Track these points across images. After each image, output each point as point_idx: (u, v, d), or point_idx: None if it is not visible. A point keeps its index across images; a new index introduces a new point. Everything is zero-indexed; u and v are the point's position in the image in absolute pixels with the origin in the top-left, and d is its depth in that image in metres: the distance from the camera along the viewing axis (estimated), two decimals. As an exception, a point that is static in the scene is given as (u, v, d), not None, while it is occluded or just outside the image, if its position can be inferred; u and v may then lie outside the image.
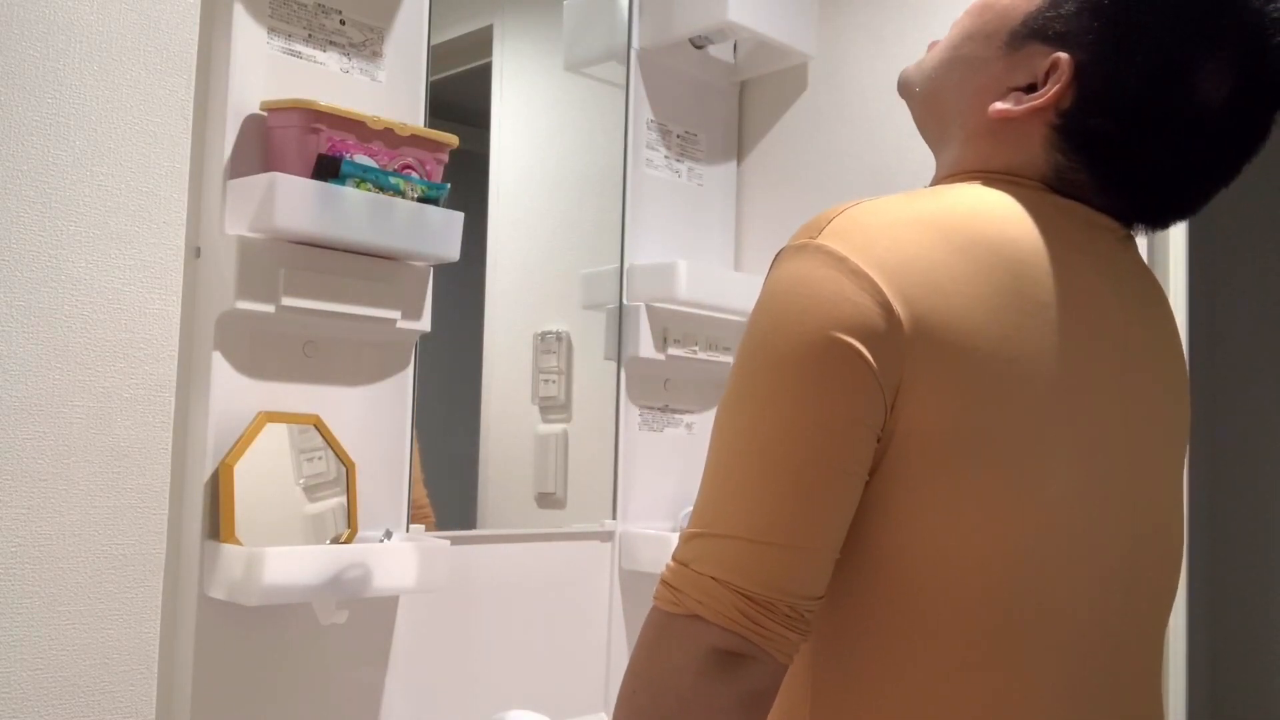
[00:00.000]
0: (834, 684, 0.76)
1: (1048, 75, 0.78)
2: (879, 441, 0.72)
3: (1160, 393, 0.82)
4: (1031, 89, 0.79)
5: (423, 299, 1.33)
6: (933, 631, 0.73)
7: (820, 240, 0.73)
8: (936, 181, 0.89)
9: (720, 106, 1.88)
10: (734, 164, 1.89)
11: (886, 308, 0.69)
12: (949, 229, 0.73)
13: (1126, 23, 0.76)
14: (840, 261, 0.71)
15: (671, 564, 0.73)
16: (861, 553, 0.74)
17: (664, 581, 0.73)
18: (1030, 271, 0.73)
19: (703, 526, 0.72)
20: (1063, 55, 0.77)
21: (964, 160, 0.85)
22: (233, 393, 1.21)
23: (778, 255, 0.76)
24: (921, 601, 0.73)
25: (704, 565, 0.71)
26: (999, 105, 0.80)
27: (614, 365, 1.67)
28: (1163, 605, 0.84)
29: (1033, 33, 0.80)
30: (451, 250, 1.29)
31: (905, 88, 0.91)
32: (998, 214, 0.76)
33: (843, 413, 0.70)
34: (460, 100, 1.53)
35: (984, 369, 0.71)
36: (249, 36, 1.23)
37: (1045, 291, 0.73)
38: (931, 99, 0.88)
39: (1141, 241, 1.43)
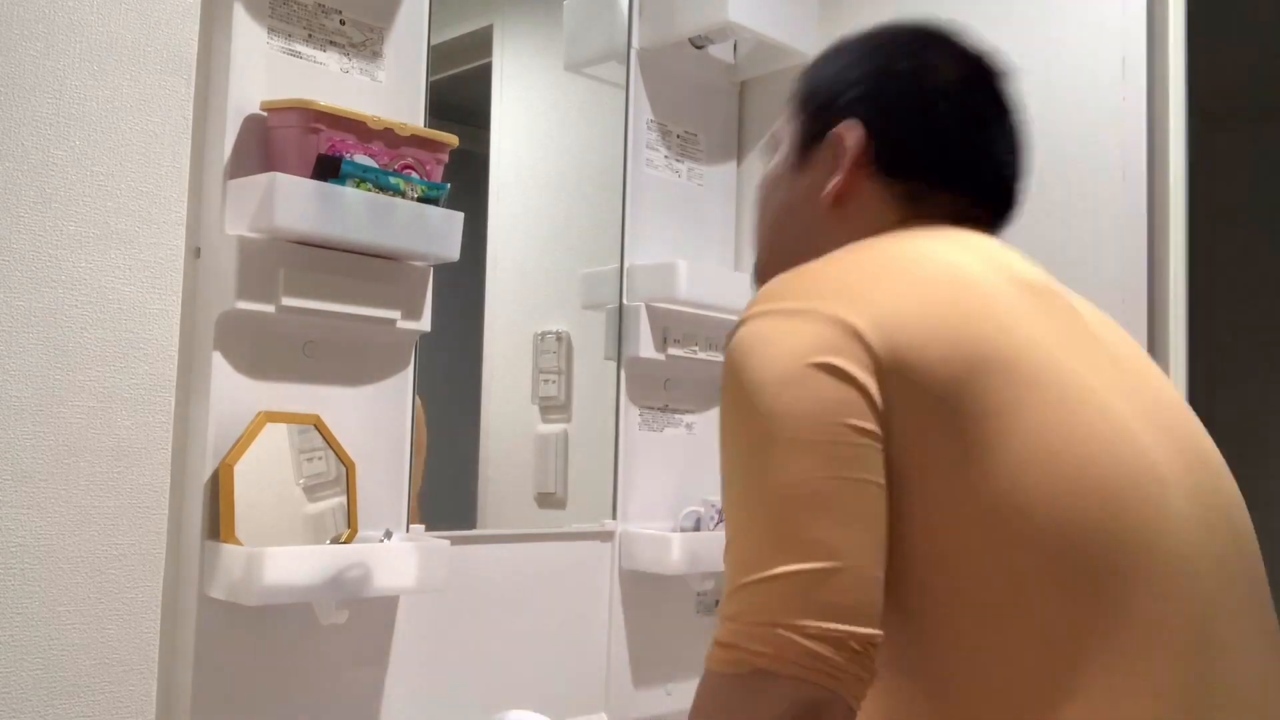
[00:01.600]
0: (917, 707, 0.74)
1: (839, 147, 0.89)
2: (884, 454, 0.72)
3: (1124, 339, 0.88)
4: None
5: (423, 299, 1.33)
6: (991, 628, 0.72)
7: (766, 307, 0.77)
8: None
9: (720, 106, 1.88)
10: (734, 164, 1.89)
11: (856, 333, 0.73)
12: (882, 261, 0.80)
13: (878, 70, 0.91)
14: (796, 312, 0.75)
15: (721, 623, 0.70)
16: (899, 578, 0.74)
17: (718, 642, 0.69)
18: (961, 279, 0.79)
19: (743, 575, 0.69)
20: (837, 129, 0.89)
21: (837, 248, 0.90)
22: (233, 393, 1.21)
23: (729, 335, 0.79)
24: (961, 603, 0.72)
25: (758, 613, 0.68)
26: (827, 190, 0.89)
27: (614, 365, 1.67)
28: (1248, 535, 0.85)
29: (809, 140, 0.92)
30: (451, 250, 1.29)
31: (763, 276, 0.96)
32: (909, 244, 0.83)
33: (839, 426, 0.71)
34: (460, 100, 1.54)
35: (949, 388, 0.73)
36: (249, 36, 1.23)
37: (980, 293, 0.78)
38: (787, 255, 0.92)
39: (1140, 241, 1.44)
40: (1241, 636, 0.77)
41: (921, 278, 0.78)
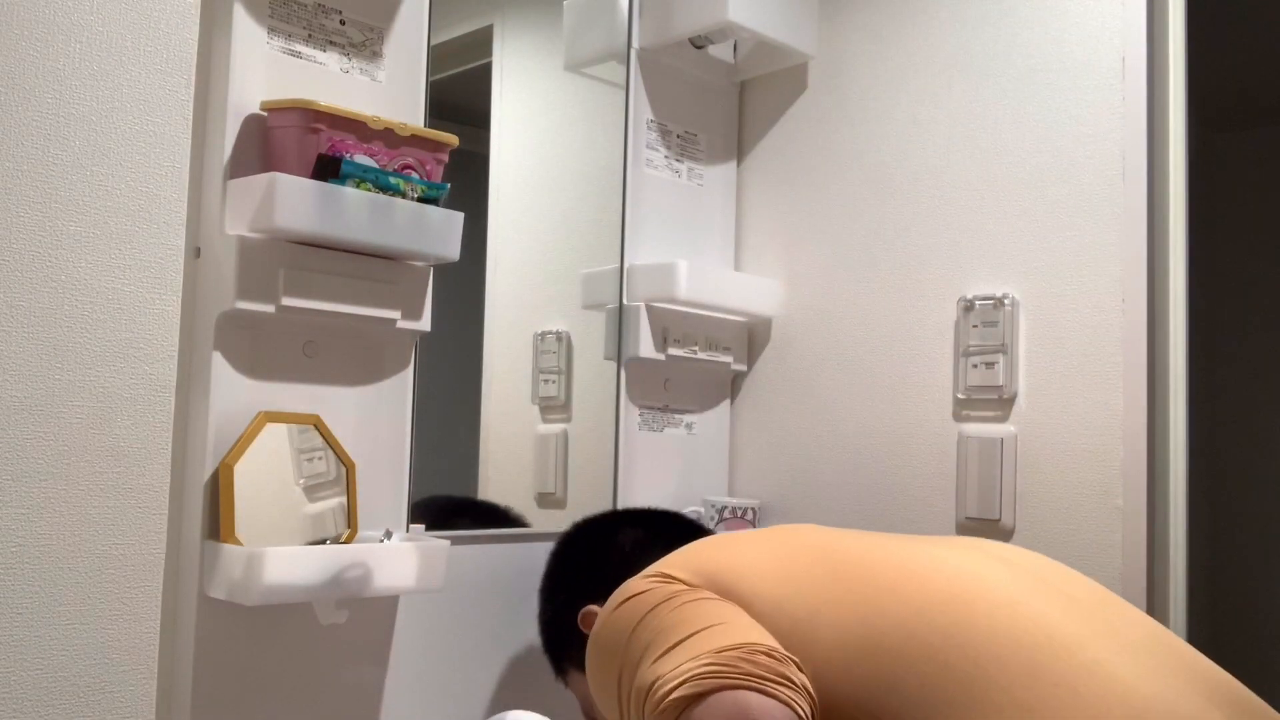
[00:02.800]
0: None
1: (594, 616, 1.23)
2: None
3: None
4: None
5: (423, 299, 1.33)
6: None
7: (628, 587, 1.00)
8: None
9: (720, 106, 1.88)
10: (734, 164, 1.89)
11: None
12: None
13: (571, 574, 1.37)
14: (648, 577, 0.99)
15: (659, 688, 0.82)
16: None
17: (663, 696, 0.81)
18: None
19: (658, 654, 0.87)
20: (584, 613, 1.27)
21: None
22: (233, 393, 1.21)
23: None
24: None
25: (691, 660, 0.82)
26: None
27: (614, 365, 1.67)
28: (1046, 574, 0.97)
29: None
30: (451, 250, 1.29)
31: None
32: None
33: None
34: (460, 100, 1.53)
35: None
36: (249, 36, 1.23)
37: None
38: None
39: (1140, 242, 1.44)
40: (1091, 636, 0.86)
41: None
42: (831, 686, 0.83)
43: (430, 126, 1.36)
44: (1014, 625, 0.83)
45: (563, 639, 1.34)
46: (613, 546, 1.32)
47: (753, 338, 1.84)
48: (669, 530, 1.34)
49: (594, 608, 1.25)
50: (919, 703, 0.79)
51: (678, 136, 1.80)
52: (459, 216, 1.29)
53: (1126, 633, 0.88)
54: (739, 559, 0.97)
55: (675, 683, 0.80)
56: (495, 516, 1.55)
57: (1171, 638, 0.92)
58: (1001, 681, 0.79)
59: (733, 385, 1.87)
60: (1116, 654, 0.83)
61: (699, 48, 1.79)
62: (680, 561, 1.01)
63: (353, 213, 1.19)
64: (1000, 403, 1.54)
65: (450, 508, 1.49)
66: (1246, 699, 0.88)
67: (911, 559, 0.93)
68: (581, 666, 1.27)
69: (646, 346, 1.65)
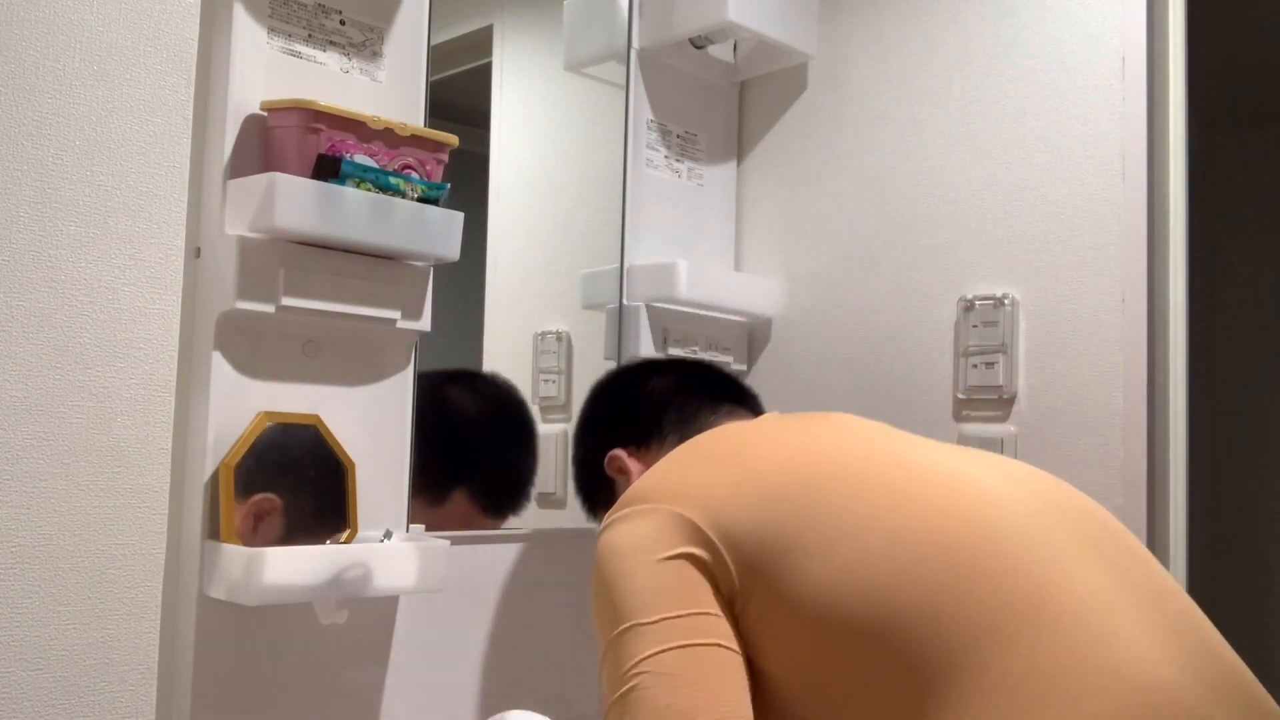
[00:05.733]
0: None
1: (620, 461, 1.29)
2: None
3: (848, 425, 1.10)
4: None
5: (423, 299, 1.33)
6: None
7: (626, 510, 1.00)
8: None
9: (720, 106, 1.88)
10: (734, 164, 1.89)
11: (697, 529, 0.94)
12: (697, 455, 1.06)
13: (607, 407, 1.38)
14: (652, 510, 0.97)
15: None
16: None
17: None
18: (735, 447, 1.05)
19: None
20: (610, 457, 1.30)
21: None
22: (233, 393, 1.21)
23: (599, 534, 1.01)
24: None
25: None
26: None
27: (614, 365, 1.67)
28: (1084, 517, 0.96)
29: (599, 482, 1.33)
30: (451, 250, 1.29)
31: None
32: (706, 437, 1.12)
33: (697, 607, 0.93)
34: (460, 100, 1.54)
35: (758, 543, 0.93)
36: (249, 36, 1.23)
37: (757, 453, 1.02)
38: None
39: (1140, 242, 1.44)
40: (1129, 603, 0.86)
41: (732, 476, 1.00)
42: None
43: (430, 126, 1.36)
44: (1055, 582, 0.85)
45: (591, 482, 1.36)
46: (642, 394, 1.33)
47: (753, 338, 1.84)
48: (699, 382, 1.33)
49: (619, 452, 1.28)
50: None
51: (678, 136, 1.80)
52: (459, 216, 1.29)
53: (1162, 603, 0.87)
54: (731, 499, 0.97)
55: None
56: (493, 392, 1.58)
57: (1204, 622, 0.91)
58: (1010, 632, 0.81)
59: (733, 385, 1.87)
60: (1144, 630, 0.83)
61: (699, 48, 1.79)
62: (673, 491, 0.99)
63: (353, 213, 1.19)
64: (1000, 403, 1.54)
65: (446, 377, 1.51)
66: (1256, 697, 0.87)
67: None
68: (609, 507, 1.30)
69: (647, 346, 1.65)
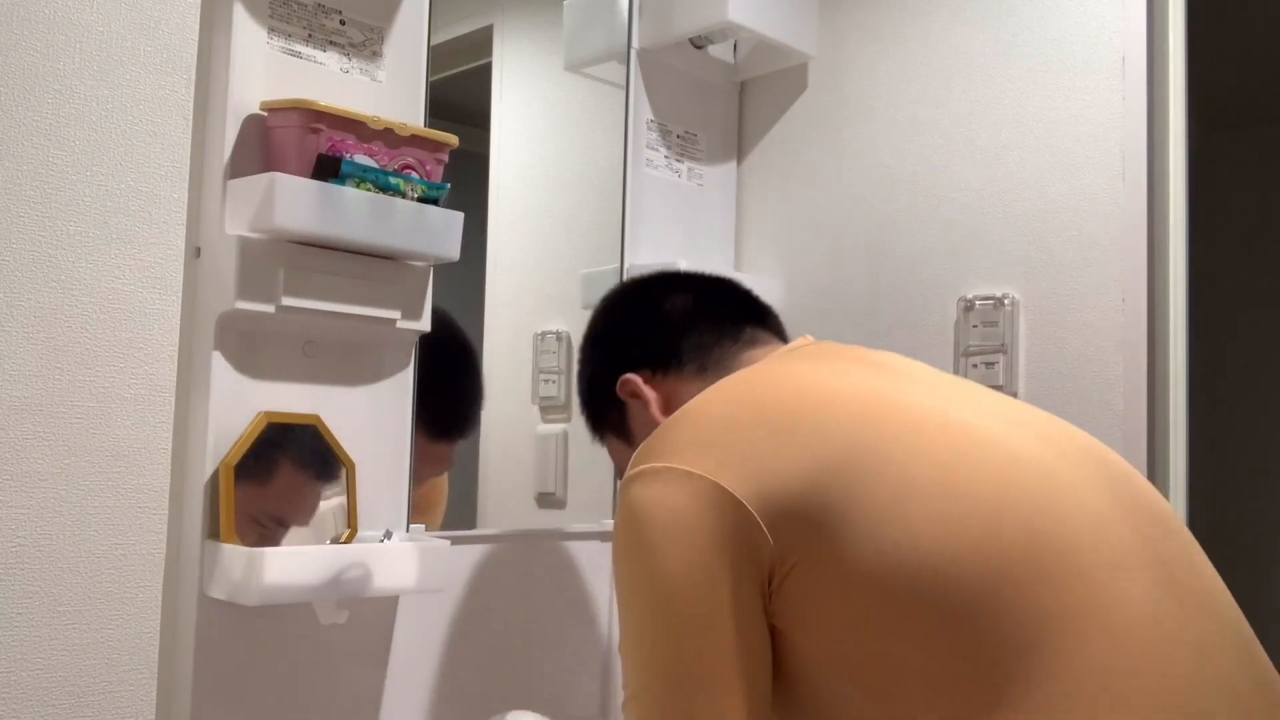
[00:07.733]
0: None
1: (634, 385, 1.20)
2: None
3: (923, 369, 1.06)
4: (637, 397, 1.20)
5: (423, 299, 1.33)
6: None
7: (660, 466, 0.93)
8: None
9: (720, 106, 1.88)
10: (734, 164, 1.89)
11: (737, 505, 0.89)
12: (739, 404, 0.98)
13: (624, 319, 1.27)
14: (689, 478, 0.91)
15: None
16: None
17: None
18: (783, 395, 0.98)
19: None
20: (623, 380, 1.20)
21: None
22: (233, 393, 1.21)
23: (624, 484, 0.95)
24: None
25: None
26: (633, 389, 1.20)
27: (614, 365, 1.67)
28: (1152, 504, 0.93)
29: (609, 408, 1.24)
30: (451, 250, 1.29)
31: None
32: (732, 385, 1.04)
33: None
34: (460, 100, 1.54)
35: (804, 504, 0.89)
36: (249, 36, 1.23)
37: (806, 406, 0.95)
38: None
39: (1140, 241, 1.44)
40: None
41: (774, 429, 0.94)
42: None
43: (430, 126, 1.36)
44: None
45: (599, 401, 1.27)
46: (659, 314, 1.23)
47: (753, 338, 1.84)
48: (719, 302, 1.24)
49: (633, 377, 1.20)
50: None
51: (678, 136, 1.80)
52: (459, 216, 1.29)
53: (1187, 580, 0.87)
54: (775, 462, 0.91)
55: None
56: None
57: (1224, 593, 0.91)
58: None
59: (733, 385, 1.86)
60: (1165, 594, 0.83)
61: (699, 48, 1.79)
62: (706, 458, 0.92)
63: (353, 212, 1.19)
64: (1000, 403, 1.54)
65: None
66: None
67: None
68: (617, 431, 1.24)
69: (646, 346, 1.65)
